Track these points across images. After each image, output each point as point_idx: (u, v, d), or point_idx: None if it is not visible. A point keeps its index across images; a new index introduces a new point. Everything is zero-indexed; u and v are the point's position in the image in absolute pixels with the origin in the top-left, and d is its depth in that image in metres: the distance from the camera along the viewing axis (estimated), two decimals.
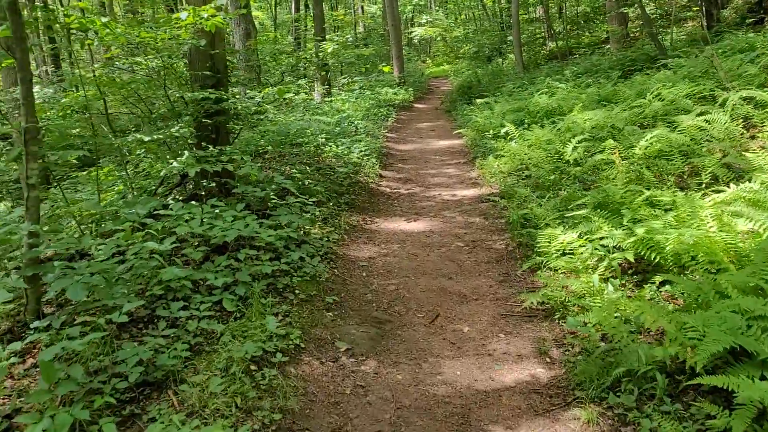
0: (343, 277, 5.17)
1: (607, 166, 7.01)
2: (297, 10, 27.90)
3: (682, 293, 3.99)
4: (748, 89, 7.15)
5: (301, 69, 17.10)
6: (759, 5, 14.53)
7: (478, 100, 14.28)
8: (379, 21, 32.55)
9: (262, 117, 6.26)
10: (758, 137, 6.67)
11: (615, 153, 6.95)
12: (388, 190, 8.40)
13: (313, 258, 5.18)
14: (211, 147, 5.80)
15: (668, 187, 5.52)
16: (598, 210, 5.00)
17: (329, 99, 15.62)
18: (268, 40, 30.57)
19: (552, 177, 7.08)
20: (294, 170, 6.41)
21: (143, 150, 5.64)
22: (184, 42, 5.76)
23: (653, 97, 8.44)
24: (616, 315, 3.77)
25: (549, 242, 4.89)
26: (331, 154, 9.18)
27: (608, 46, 19.98)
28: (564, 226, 5.07)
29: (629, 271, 4.43)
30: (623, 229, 4.54)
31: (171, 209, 4.74)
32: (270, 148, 7.15)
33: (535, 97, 12.00)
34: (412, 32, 35.66)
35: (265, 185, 5.43)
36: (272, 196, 5.58)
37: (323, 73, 15.53)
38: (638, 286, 4.38)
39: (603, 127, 8.07)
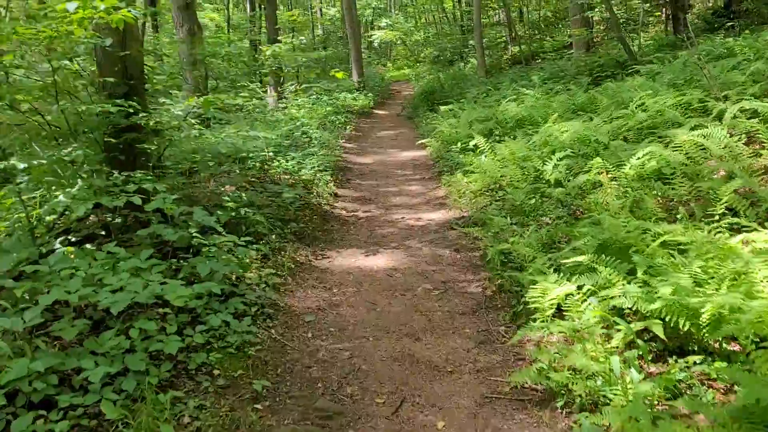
0: (282, 342, 3.99)
1: (595, 188, 6.01)
2: (252, 10, 26.50)
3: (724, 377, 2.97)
4: (747, 100, 6.25)
5: (257, 73, 15.82)
6: (727, 9, 13.91)
7: (442, 107, 13.24)
8: (338, 24, 31.35)
9: (191, 133, 5.03)
10: (763, 155, 5.75)
11: (603, 173, 5.95)
12: (344, 213, 7.24)
13: (242, 318, 3.99)
14: (116, 173, 4.56)
15: (679, 220, 4.52)
16: (600, 253, 3.95)
17: (283, 105, 14.38)
18: (221, 42, 29.02)
19: (532, 201, 6.03)
20: (227, 197, 5.19)
21: (29, 178, 4.34)
22: (79, 41, 4.50)
23: (637, 107, 7.50)
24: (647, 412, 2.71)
25: (541, 295, 3.81)
26: (280, 170, 7.97)
27: (572, 51, 19.27)
28: (558, 274, 4.00)
29: (651, 343, 3.38)
30: (638, 284, 3.49)
31: (49, 261, 3.50)
32: (199, 169, 5.90)
33: (503, 104, 11.02)
34: (372, 36, 34.56)
35: (181, 226, 4.21)
36: (195, 233, 4.36)
37: (276, 77, 14.26)
38: (659, 358, 3.35)
39: (584, 141, 7.08)
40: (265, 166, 8.03)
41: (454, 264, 5.43)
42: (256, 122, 9.87)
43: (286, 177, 7.85)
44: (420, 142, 11.20)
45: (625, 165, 5.89)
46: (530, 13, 22.50)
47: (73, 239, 4.28)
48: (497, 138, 9.17)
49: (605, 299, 3.43)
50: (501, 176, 7.10)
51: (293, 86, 12.56)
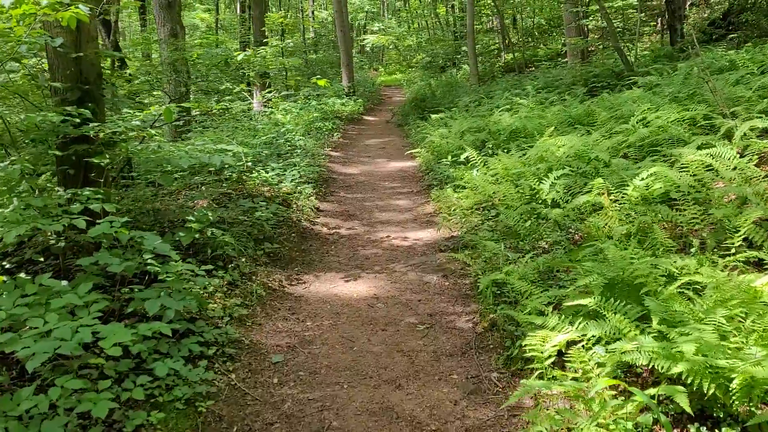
0: (242, 391, 3.46)
1: (595, 210, 5.53)
2: (243, 11, 25.92)
3: None
4: (759, 118, 5.80)
5: (244, 75, 15.26)
6: (724, 20, 13.55)
7: (433, 116, 12.75)
8: (329, 27, 30.86)
9: (149, 146, 4.48)
10: None
11: (604, 194, 5.47)
12: (325, 230, 6.71)
13: (198, 363, 3.46)
14: (61, 190, 4.02)
15: (694, 253, 4.03)
16: (608, 294, 3.46)
17: (268, 110, 13.85)
18: (209, 44, 28.47)
19: (527, 223, 5.54)
20: (191, 217, 4.65)
21: None
22: (22, 41, 3.96)
23: (637, 122, 7.04)
24: None
25: (540, 343, 3.31)
26: (258, 182, 7.44)
27: (566, 59, 18.88)
28: (559, 316, 3.50)
29: (668, 404, 2.88)
30: (652, 334, 3.00)
31: None
32: (163, 184, 5.35)
33: (496, 114, 10.56)
34: (364, 40, 34.10)
35: (132, 252, 3.67)
36: (150, 260, 3.82)
37: (262, 80, 13.72)
38: (677, 422, 2.85)
39: (583, 158, 6.61)
40: (243, 177, 7.51)
41: (441, 293, 4.92)
42: (237, 129, 9.34)
43: (264, 189, 7.33)
44: (409, 152, 10.70)
45: (627, 186, 5.42)
46: (524, 21, 22.11)
47: (8, 265, 3.73)
48: (490, 150, 8.69)
49: (615, 353, 2.94)
50: (493, 193, 6.61)
51: (272, 93, 12.02)
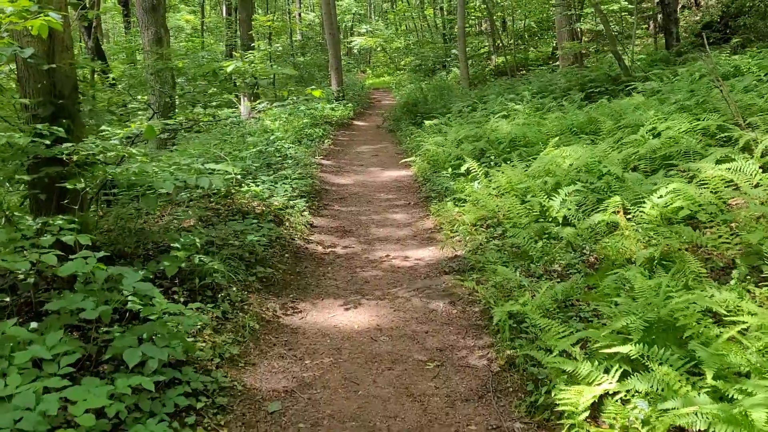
0: None
1: (610, 230, 5.17)
2: (228, 14, 25.35)
3: None
4: None
5: (234, 86, 14.78)
6: (721, 23, 13.32)
7: (426, 122, 12.38)
8: (317, 29, 30.39)
9: (129, 168, 4.02)
10: None
11: (619, 212, 5.12)
12: (320, 249, 6.29)
13: (184, 420, 3.03)
14: (30, 219, 3.58)
15: (733, 285, 3.67)
16: (647, 338, 3.08)
17: (257, 117, 13.40)
18: (194, 47, 27.88)
19: (539, 244, 5.17)
20: (178, 243, 4.23)
21: None
22: None
23: (647, 132, 6.70)
24: None
25: (575, 396, 2.93)
26: (248, 196, 7.01)
27: (557, 62, 18.60)
28: (590, 361, 3.12)
29: None
30: (706, 390, 2.63)
31: None
32: (146, 208, 4.90)
33: (492, 121, 10.21)
34: (351, 42, 33.67)
35: (104, 295, 3.23)
36: (131, 296, 3.39)
37: (250, 87, 13.25)
38: None
39: (592, 171, 6.26)
40: (232, 190, 7.07)
41: (449, 322, 4.53)
42: (225, 141, 8.89)
43: (255, 204, 6.90)
44: (404, 160, 10.31)
45: (644, 203, 5.07)
46: (515, 23, 21.82)
47: None
48: (490, 160, 8.33)
49: (667, 415, 2.56)
50: (497, 208, 6.24)
51: (263, 104, 11.57)
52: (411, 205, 7.94)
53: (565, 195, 5.53)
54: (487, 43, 25.47)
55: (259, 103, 10.53)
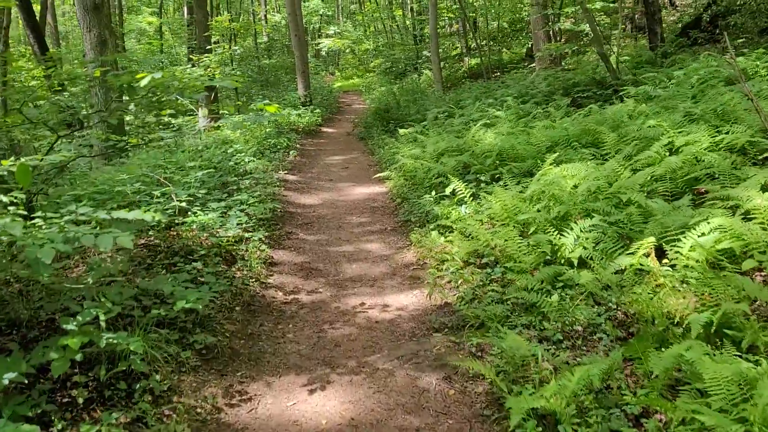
0: None
1: (640, 276, 4.11)
2: (190, 14, 23.79)
3: None
4: None
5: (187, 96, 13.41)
6: (711, 23, 12.48)
7: (401, 130, 11.25)
8: (283, 31, 29.00)
9: None
10: None
11: (651, 254, 4.06)
12: (280, 296, 5.10)
13: None
14: None
15: None
16: None
17: (216, 125, 12.10)
18: (152, 50, 26.31)
19: (553, 297, 4.06)
20: (72, 323, 3.01)
21: None
22: None
23: (662, 147, 5.68)
24: None
25: None
26: (194, 227, 5.78)
27: (533, 64, 17.68)
28: None
29: None
30: None
31: None
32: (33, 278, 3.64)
33: (474, 130, 9.13)
34: (319, 43, 32.39)
35: None
36: None
37: (208, 93, 11.94)
38: None
39: (604, 195, 5.20)
40: (174, 223, 5.84)
41: (447, 412, 3.39)
42: (170, 161, 7.61)
43: (203, 237, 5.67)
44: (378, 175, 9.16)
45: (682, 241, 4.02)
46: (488, 24, 20.85)
47: None
48: (476, 178, 7.23)
49: None
50: (492, 241, 5.12)
51: (221, 121, 10.34)
52: (388, 231, 6.80)
53: (580, 230, 4.44)
54: (458, 45, 24.52)
55: (215, 113, 9.30)
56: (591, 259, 4.34)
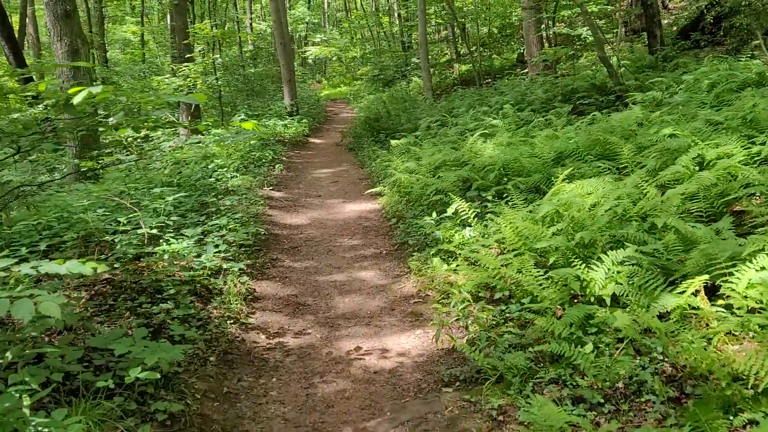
0: None
1: (686, 318, 3.46)
2: (174, 21, 23.04)
3: None
4: None
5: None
6: (715, 24, 11.96)
7: (393, 141, 10.59)
8: (269, 39, 28.31)
9: None
10: None
11: (700, 293, 3.41)
12: (262, 340, 4.39)
13: None
14: None
15: None
16: None
17: (197, 140, 11.38)
18: (134, 60, 25.50)
19: (588, 348, 3.39)
20: (3, 398, 2.31)
21: None
22: None
23: (691, 161, 5.05)
24: None
25: None
26: (166, 258, 5.07)
27: (525, 70, 17.11)
28: None
29: None
30: None
31: None
32: None
33: (471, 140, 8.50)
34: (306, 51, 31.72)
35: None
36: None
37: (186, 106, 11.24)
38: None
39: (628, 216, 4.56)
40: (145, 251, 5.12)
41: None
42: (140, 182, 6.89)
43: (176, 268, 4.96)
44: (370, 191, 8.48)
45: (736, 276, 3.37)
46: (479, 29, 20.29)
47: None
48: (479, 195, 6.58)
49: None
50: (505, 272, 4.46)
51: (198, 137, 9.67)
52: (383, 256, 6.11)
53: (612, 263, 3.79)
54: (447, 51, 23.96)
55: (195, 129, 8.61)
56: (626, 296, 3.69)
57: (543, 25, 14.74)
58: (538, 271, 4.18)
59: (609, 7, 14.18)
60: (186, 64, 11.01)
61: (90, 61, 13.54)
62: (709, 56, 10.60)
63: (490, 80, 18.14)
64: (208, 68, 13.34)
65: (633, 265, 3.81)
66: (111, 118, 2.99)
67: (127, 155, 6.24)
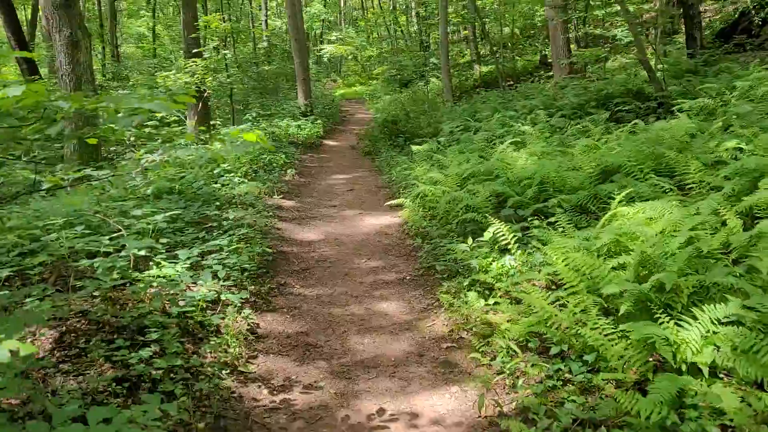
0: None
1: None
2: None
3: None
4: None
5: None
6: (764, 26, 11.02)
7: (414, 147, 9.77)
8: (284, 36, 27.56)
9: None
10: None
11: None
12: (264, 398, 3.58)
13: None
14: None
15: None
16: None
17: (207, 136, 10.62)
18: (145, 55, 24.87)
19: None
20: None
21: None
22: None
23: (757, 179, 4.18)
24: None
25: None
26: (154, 286, 4.29)
27: (550, 73, 16.23)
28: None
29: None
30: None
31: None
32: None
33: (501, 149, 7.67)
34: (321, 49, 30.93)
35: None
36: None
37: (197, 99, 10.48)
38: None
39: (710, 253, 3.71)
40: (130, 278, 4.34)
41: None
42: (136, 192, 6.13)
43: (166, 298, 4.18)
44: (390, 202, 7.67)
45: None
46: (502, 29, 19.39)
47: None
48: (515, 212, 5.75)
49: None
50: (560, 316, 3.63)
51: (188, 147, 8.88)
52: (406, 282, 5.30)
53: (710, 320, 2.94)
54: (467, 52, 23.09)
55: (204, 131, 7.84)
56: (726, 363, 2.84)
57: (572, 25, 13.81)
58: (605, 321, 3.35)
59: (645, 5, 13.23)
60: (194, 59, 10.26)
61: (97, 57, 12.84)
62: (756, 61, 9.69)
63: (512, 83, 17.27)
64: (220, 64, 12.58)
65: (734, 324, 2.97)
66: (50, 129, 2.21)
67: (109, 168, 5.46)
